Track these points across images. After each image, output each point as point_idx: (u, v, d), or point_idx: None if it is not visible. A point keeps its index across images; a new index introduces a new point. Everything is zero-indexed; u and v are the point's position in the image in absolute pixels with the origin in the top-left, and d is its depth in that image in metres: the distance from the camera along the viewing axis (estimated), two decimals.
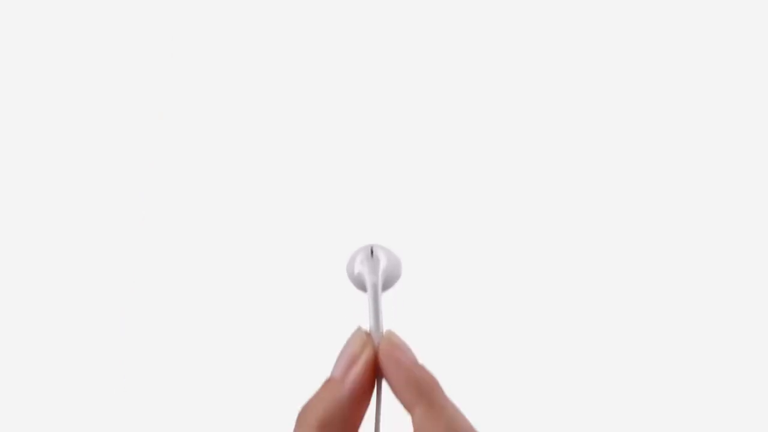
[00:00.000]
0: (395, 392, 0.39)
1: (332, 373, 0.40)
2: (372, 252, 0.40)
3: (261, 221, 0.78)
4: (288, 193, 0.79)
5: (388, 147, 0.79)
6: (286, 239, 0.77)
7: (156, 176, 0.81)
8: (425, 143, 0.80)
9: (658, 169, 0.82)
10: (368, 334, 0.40)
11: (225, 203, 0.80)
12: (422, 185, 0.79)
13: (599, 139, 0.81)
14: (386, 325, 0.40)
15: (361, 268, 0.40)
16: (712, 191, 0.82)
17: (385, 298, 0.40)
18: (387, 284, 0.40)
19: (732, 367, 0.82)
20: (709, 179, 0.82)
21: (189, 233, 0.81)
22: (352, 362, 0.39)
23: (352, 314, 0.41)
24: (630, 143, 0.81)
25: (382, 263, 0.40)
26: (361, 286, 0.40)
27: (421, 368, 0.39)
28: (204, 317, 0.79)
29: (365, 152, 0.79)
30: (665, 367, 0.81)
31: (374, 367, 0.39)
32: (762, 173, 0.82)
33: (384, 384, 0.40)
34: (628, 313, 0.79)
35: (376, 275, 0.40)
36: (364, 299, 0.40)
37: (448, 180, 0.79)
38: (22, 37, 0.79)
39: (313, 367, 0.41)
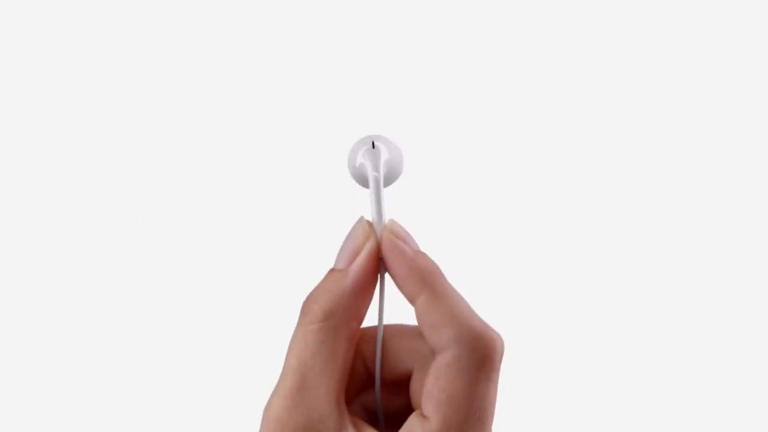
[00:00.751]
0: (397, 282, 0.39)
1: (335, 263, 0.40)
2: (373, 144, 0.40)
3: (260, 209, 0.79)
4: (287, 185, 0.80)
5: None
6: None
7: (156, 176, 0.82)
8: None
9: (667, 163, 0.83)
10: (371, 225, 0.40)
11: (224, 202, 0.81)
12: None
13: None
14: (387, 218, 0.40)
15: (362, 159, 0.40)
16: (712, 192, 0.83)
17: (387, 194, 0.41)
18: (389, 178, 0.41)
19: (733, 368, 0.82)
20: (711, 179, 0.83)
21: (188, 231, 0.81)
22: (355, 253, 0.39)
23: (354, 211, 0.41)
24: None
25: (384, 155, 0.40)
26: (362, 178, 0.41)
27: (423, 256, 0.39)
28: (204, 316, 0.79)
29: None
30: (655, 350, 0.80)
31: (377, 257, 0.40)
32: (762, 173, 0.83)
33: (387, 276, 0.40)
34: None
35: (377, 167, 0.40)
36: (365, 194, 0.41)
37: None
38: (23, 37, 0.81)
39: (318, 261, 0.41)
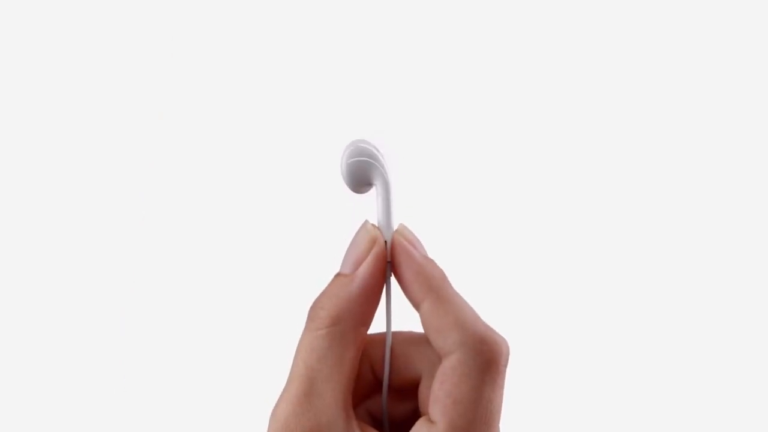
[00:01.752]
0: (403, 286, 0.39)
1: (341, 268, 0.39)
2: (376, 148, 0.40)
3: (259, 214, 0.79)
4: (285, 187, 0.80)
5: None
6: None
7: (156, 176, 0.82)
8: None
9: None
10: (377, 229, 0.40)
11: (226, 203, 0.81)
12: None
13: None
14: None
15: (366, 163, 0.40)
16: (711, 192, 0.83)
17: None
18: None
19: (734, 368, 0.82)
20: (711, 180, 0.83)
21: (190, 234, 0.81)
22: (361, 258, 0.39)
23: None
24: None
25: (385, 156, 0.40)
26: (360, 182, 0.40)
27: (432, 262, 0.39)
28: (209, 321, 0.79)
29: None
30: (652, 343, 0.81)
31: (384, 262, 0.39)
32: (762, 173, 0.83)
33: (393, 281, 0.40)
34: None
35: (386, 169, 0.40)
36: (365, 198, 0.41)
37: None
38: (23, 37, 0.80)
39: (324, 265, 0.41)
